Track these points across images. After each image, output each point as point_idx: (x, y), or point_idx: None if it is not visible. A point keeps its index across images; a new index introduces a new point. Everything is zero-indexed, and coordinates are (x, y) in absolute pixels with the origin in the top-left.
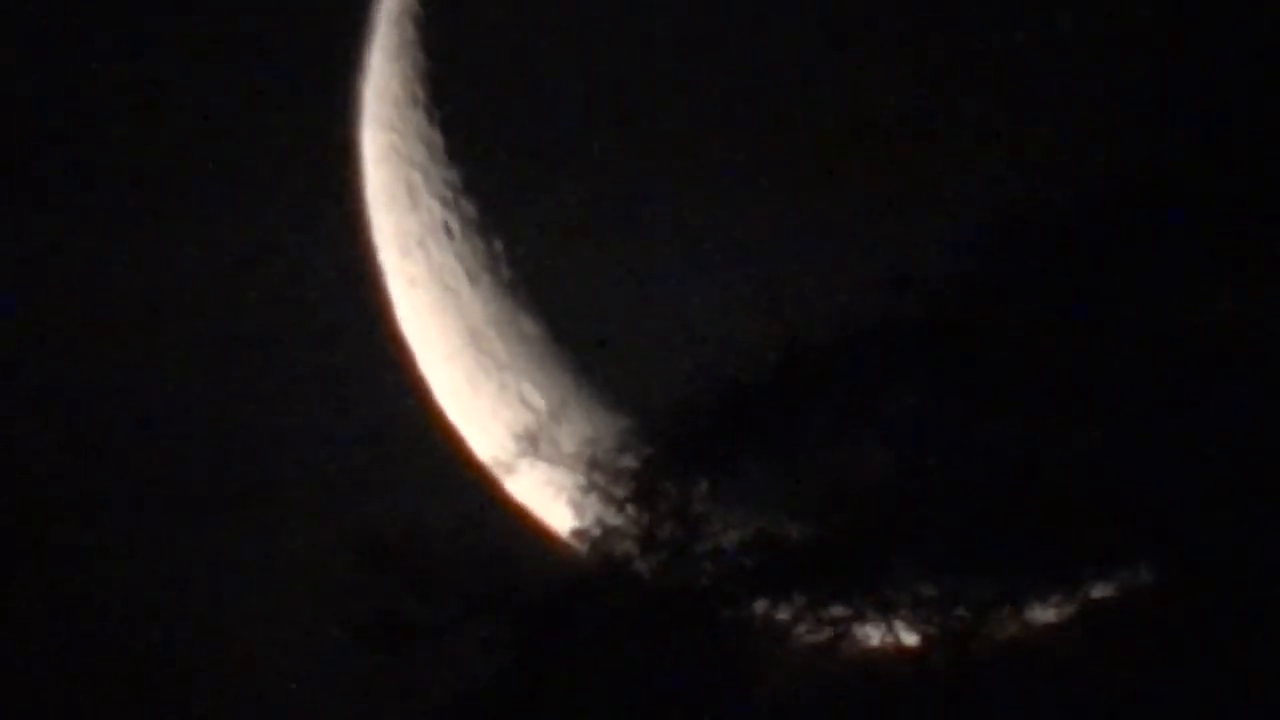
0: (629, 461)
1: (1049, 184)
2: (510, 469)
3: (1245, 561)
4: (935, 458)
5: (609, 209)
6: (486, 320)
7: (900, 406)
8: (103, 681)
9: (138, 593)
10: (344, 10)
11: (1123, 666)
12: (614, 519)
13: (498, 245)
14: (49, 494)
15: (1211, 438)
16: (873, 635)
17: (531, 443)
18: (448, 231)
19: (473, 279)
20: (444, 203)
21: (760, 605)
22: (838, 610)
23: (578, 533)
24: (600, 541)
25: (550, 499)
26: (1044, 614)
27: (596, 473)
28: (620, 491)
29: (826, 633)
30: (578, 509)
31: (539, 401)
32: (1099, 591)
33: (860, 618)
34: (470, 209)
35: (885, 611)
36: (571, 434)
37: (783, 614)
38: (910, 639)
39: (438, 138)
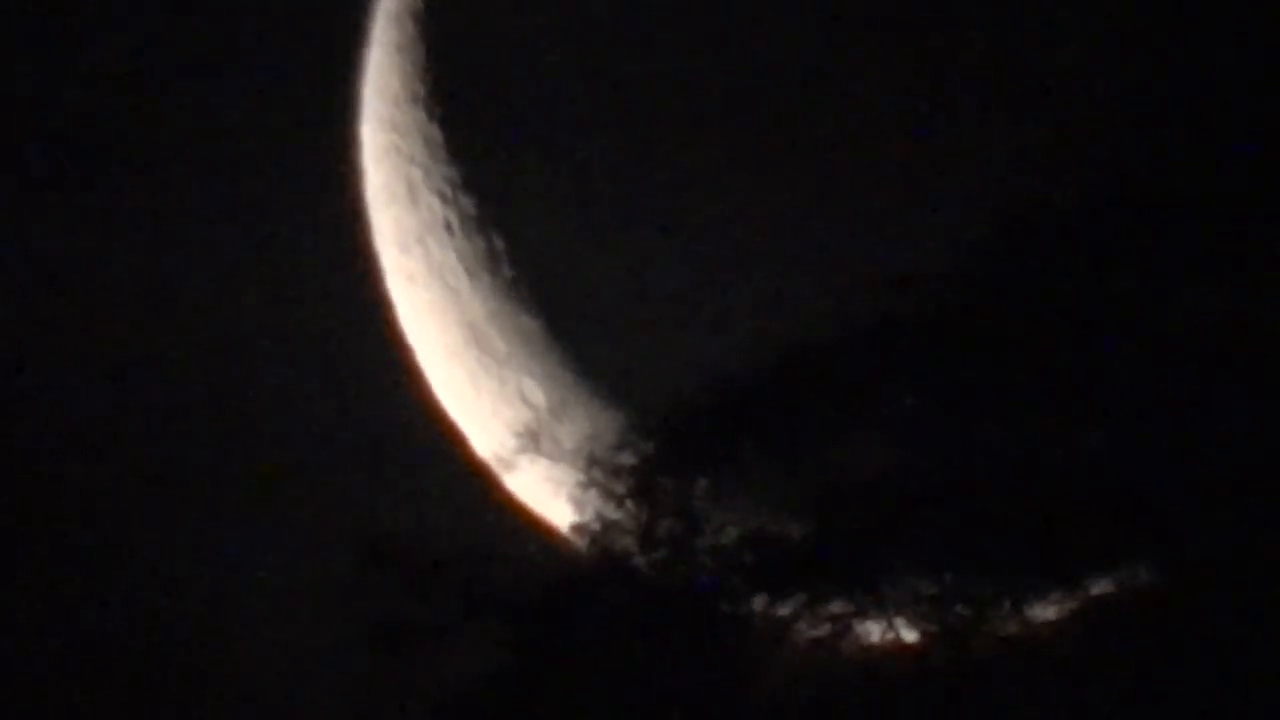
0: (629, 458)
1: (1049, 184)
2: (510, 466)
3: (1245, 561)
4: (935, 457)
5: (609, 206)
6: (486, 317)
7: (900, 406)
8: (103, 681)
9: (138, 592)
10: (344, 9)
11: (1123, 666)
12: (614, 515)
13: (498, 242)
14: (49, 494)
15: (1211, 438)
16: (873, 632)
17: (531, 439)
18: (448, 228)
19: (472, 276)
20: (444, 200)
21: (760, 602)
22: (837, 607)
23: (577, 528)
24: (600, 537)
25: (550, 495)
26: (1044, 612)
27: (596, 469)
28: (620, 488)
29: (826, 629)
30: (577, 505)
31: (539, 398)
32: (1099, 590)
33: (860, 615)
34: (470, 206)
35: (885, 609)
36: (571, 431)
37: (782, 611)
38: (910, 636)
39: (437, 135)
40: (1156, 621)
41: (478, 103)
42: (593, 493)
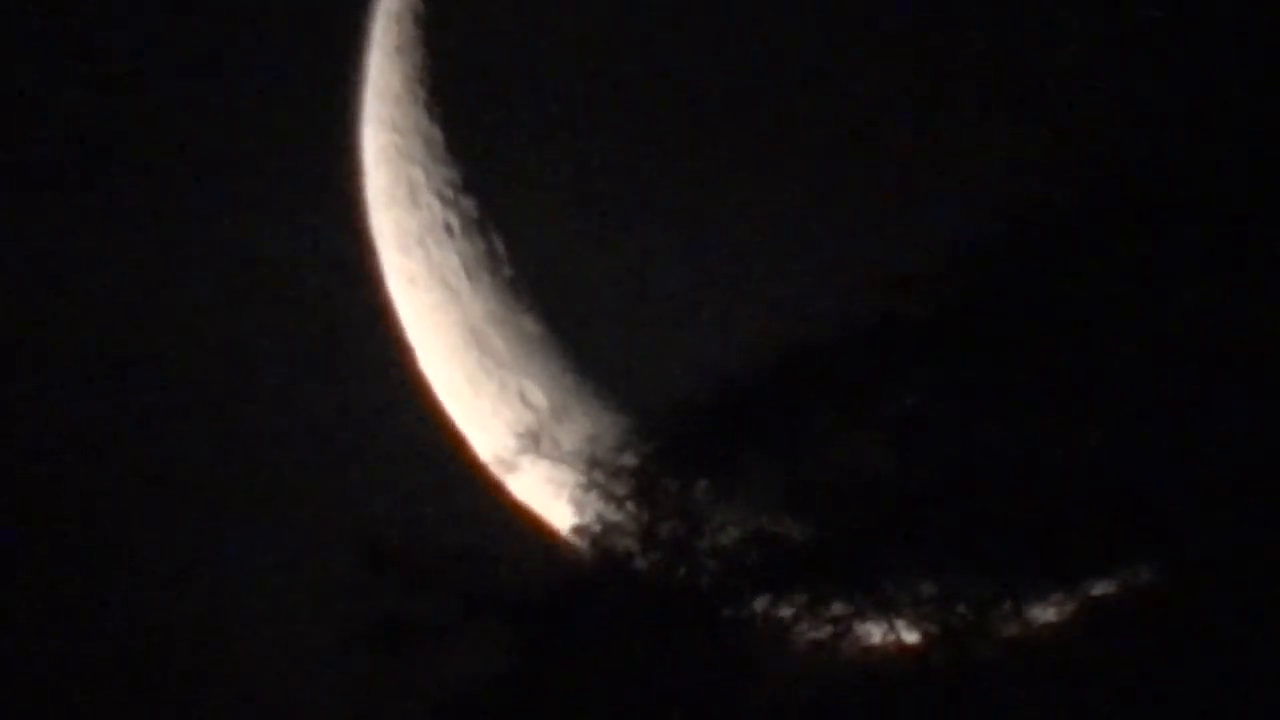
0: (629, 459)
1: (1049, 184)
2: (511, 467)
3: (1245, 561)
4: (935, 457)
5: (609, 207)
6: (487, 319)
7: (900, 406)
8: (103, 681)
9: (138, 593)
10: (344, 9)
11: (1123, 666)
12: (614, 516)
13: (498, 243)
14: (49, 494)
15: (1211, 438)
16: (874, 633)
17: (532, 441)
18: (448, 230)
19: (473, 277)
20: (444, 201)
21: (761, 603)
22: (838, 608)
23: (578, 530)
24: (600, 539)
25: (551, 497)
26: (1044, 613)
27: (597, 470)
28: (621, 489)
29: (827, 631)
30: (578, 507)
31: (539, 400)
32: (1099, 590)
33: (861, 616)
34: (471, 207)
35: (886, 609)
36: (572, 432)
37: (783, 612)
38: (911, 637)
39: (438, 135)
40: (1156, 621)
41: (478, 103)
42: (593, 494)
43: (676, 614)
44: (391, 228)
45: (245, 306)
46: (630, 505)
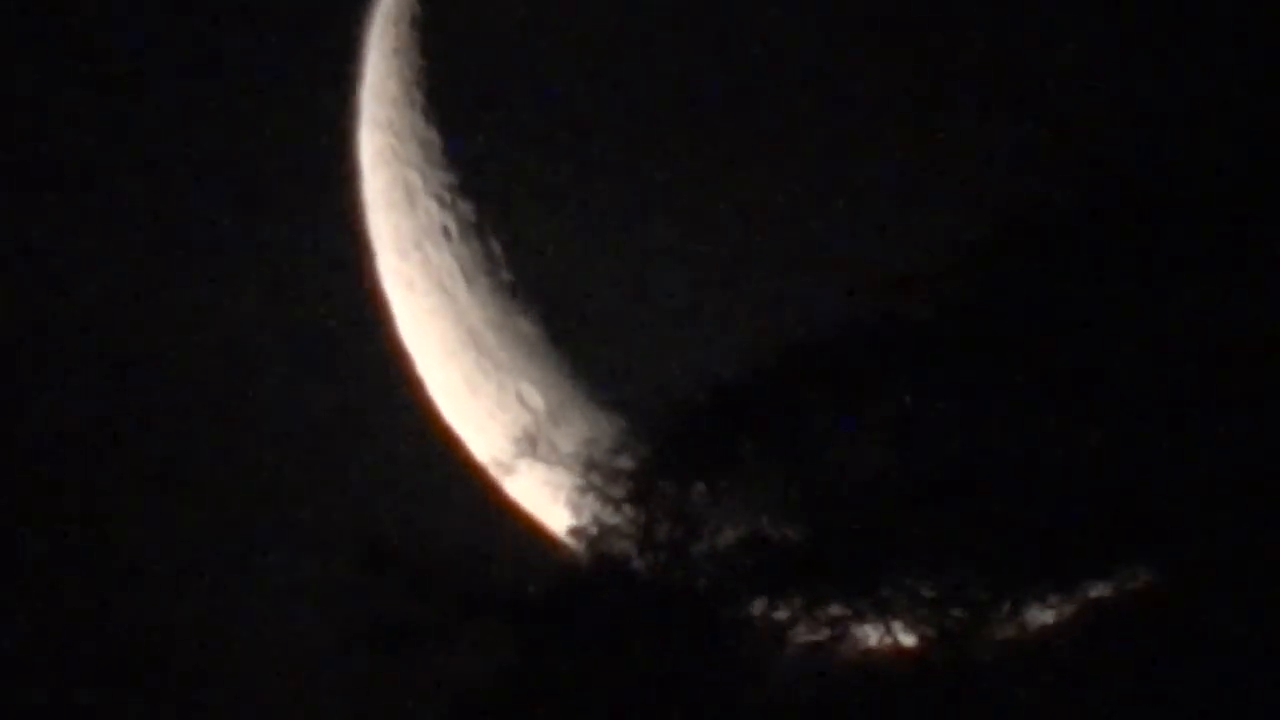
0: (627, 461)
1: (1049, 184)
2: (508, 469)
3: (1245, 561)
4: (934, 457)
5: (607, 209)
6: (484, 321)
7: (900, 406)
8: (103, 681)
9: (138, 593)
10: (342, 11)
11: (1122, 667)
12: (612, 519)
13: (495, 246)
14: (49, 494)
15: (1211, 438)
16: (871, 635)
17: (530, 443)
18: (445, 233)
19: (470, 280)
20: (442, 204)
21: (758, 605)
22: (836, 610)
23: (575, 532)
24: (598, 540)
25: (548, 499)
26: (1043, 614)
27: (594, 473)
28: (618, 491)
29: (825, 633)
30: (575, 509)
31: (537, 402)
32: (1098, 592)
33: (858, 618)
34: (468, 210)
35: (883, 612)
36: (569, 434)
37: (781, 614)
38: (908, 639)
39: (435, 138)
40: (1156, 622)
41: (475, 106)
42: (591, 496)
43: (674, 616)
44: (389, 231)
45: (244, 307)
46: (628, 507)
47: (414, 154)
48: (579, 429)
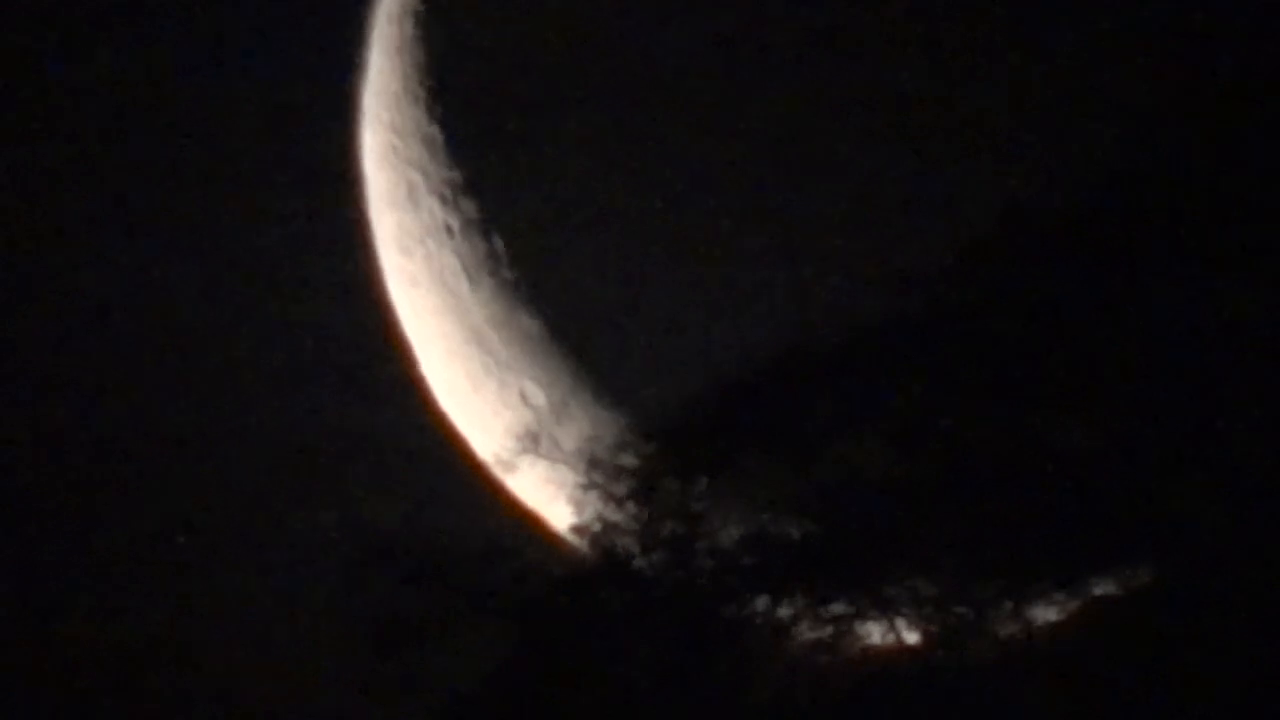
0: (629, 459)
1: (1049, 184)
2: (511, 467)
3: (1245, 561)
4: (935, 457)
5: (609, 207)
6: (487, 319)
7: (901, 404)
8: (103, 681)
9: (137, 593)
10: (344, 10)
11: (1123, 666)
12: (614, 516)
13: (498, 244)
14: (49, 494)
15: (1212, 437)
16: (874, 633)
17: (532, 441)
18: (448, 231)
19: (473, 278)
20: (444, 202)
21: (761, 603)
22: (838, 608)
23: (578, 529)
24: (600, 538)
25: (551, 497)
26: (1045, 612)
27: (597, 470)
28: (620, 489)
29: (827, 630)
30: (578, 506)
31: (539, 399)
32: (1099, 590)
33: (861, 615)
34: (470, 208)
35: (886, 609)
36: (572, 432)
37: (783, 612)
38: (911, 637)
39: (438, 136)
40: (1156, 621)
41: (478, 104)
42: (593, 494)
43: (676, 613)
44: (392, 229)
45: (245, 307)
46: (630, 505)
47: (416, 152)
48: (581, 426)
